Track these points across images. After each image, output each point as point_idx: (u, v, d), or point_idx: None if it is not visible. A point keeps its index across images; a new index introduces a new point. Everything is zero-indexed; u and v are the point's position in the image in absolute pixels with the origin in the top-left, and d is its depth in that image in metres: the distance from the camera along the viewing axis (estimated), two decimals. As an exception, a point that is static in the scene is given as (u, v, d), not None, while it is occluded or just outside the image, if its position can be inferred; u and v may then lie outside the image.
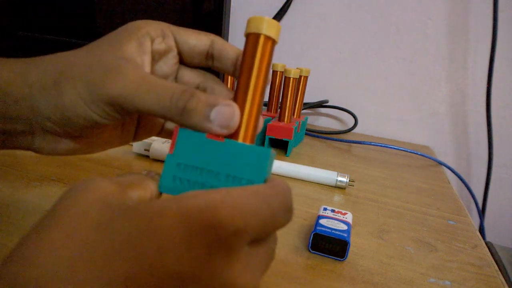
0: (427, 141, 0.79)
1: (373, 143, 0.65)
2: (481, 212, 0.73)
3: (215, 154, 0.18)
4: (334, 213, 0.33)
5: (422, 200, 0.46)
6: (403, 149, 0.64)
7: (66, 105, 0.19)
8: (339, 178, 0.45)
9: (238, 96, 0.20)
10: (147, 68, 0.22)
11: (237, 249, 0.15)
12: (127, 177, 0.18)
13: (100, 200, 0.15)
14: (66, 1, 0.70)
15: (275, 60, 0.82)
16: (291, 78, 0.54)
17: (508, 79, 0.72)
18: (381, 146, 0.65)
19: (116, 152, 0.47)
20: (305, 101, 0.76)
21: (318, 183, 0.46)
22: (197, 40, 0.23)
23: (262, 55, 0.20)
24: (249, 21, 0.20)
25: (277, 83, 0.60)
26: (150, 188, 0.18)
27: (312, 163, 0.54)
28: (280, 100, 0.57)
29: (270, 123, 0.54)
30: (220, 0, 0.65)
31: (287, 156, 0.55)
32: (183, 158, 0.19)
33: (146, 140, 0.46)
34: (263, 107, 0.66)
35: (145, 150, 0.46)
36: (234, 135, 0.19)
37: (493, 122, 0.71)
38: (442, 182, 0.55)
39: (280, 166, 0.47)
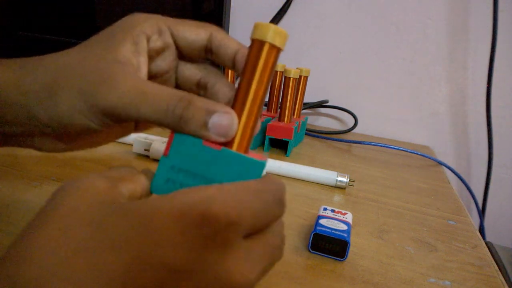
0: (427, 141, 0.79)
1: (373, 143, 0.65)
2: (481, 212, 0.73)
3: (210, 161, 0.18)
4: (334, 213, 0.33)
5: (422, 200, 0.46)
6: (403, 149, 0.64)
7: (62, 115, 0.19)
8: (339, 178, 0.45)
9: (237, 103, 0.19)
10: (144, 69, 0.21)
11: (232, 242, 0.15)
12: (118, 171, 0.18)
13: (91, 198, 0.15)
14: (66, 1, 0.70)
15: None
16: (291, 78, 0.54)
17: (508, 79, 0.72)
18: (381, 146, 0.65)
19: (116, 152, 0.47)
20: (305, 101, 0.76)
21: (318, 183, 0.46)
22: (195, 35, 0.22)
23: (265, 64, 0.19)
24: (255, 27, 0.19)
25: (277, 83, 0.60)
26: (141, 182, 0.19)
27: (312, 163, 0.54)
28: (280, 100, 0.57)
29: (270, 123, 0.54)
30: (220, 0, 0.65)
31: (287, 156, 0.55)
32: (177, 162, 0.19)
33: (146, 140, 0.46)
34: (263, 107, 0.66)
35: (145, 150, 0.46)
36: (230, 142, 0.19)
37: (493, 122, 0.71)
38: (442, 182, 0.55)
39: (280, 166, 0.47)
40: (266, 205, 0.17)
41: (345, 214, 0.33)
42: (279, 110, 0.57)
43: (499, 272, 0.32)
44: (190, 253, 0.14)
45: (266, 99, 0.63)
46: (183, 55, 0.23)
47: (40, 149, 0.22)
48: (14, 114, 0.20)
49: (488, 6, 0.69)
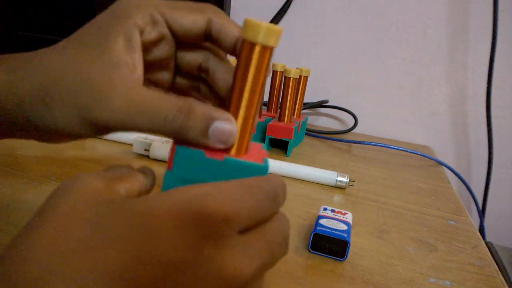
0: (427, 141, 0.79)
1: (373, 143, 0.65)
2: (481, 212, 0.73)
3: (215, 171, 0.19)
4: (334, 213, 0.33)
5: (422, 200, 0.46)
6: (403, 149, 0.64)
7: (57, 123, 0.19)
8: (339, 178, 0.45)
9: (232, 107, 0.19)
10: (139, 67, 0.20)
11: (227, 236, 0.15)
12: (115, 170, 0.18)
13: (89, 197, 0.15)
14: (66, 1, 0.70)
15: (275, 60, 0.82)
16: (291, 78, 0.54)
17: (508, 79, 0.72)
18: (381, 146, 0.65)
19: (116, 152, 0.47)
20: (305, 101, 0.76)
21: (318, 183, 0.46)
22: (192, 22, 0.21)
23: (258, 67, 0.19)
24: (245, 25, 0.18)
25: (277, 83, 0.60)
26: (138, 181, 0.19)
27: (312, 163, 0.54)
28: (280, 100, 0.57)
29: (270, 123, 0.54)
30: (220, 0, 0.65)
31: (287, 156, 0.55)
32: (181, 175, 0.19)
33: (146, 140, 0.46)
34: (263, 107, 0.66)
35: (145, 150, 0.46)
36: (229, 147, 0.19)
37: (493, 122, 0.71)
38: (442, 182, 0.55)
39: (280, 166, 0.47)
40: (259, 201, 0.17)
41: (345, 214, 0.33)
42: (279, 110, 0.57)
43: (499, 272, 0.32)
44: (187, 248, 0.14)
45: (266, 99, 0.63)
46: (181, 41, 0.22)
47: (39, 141, 0.22)
48: (11, 118, 0.20)
49: (488, 6, 0.69)
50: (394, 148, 0.65)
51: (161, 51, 0.22)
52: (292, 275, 0.27)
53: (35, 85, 0.18)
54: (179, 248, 0.14)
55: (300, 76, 0.58)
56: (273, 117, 0.59)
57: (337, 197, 0.43)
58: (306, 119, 0.68)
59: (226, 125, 0.18)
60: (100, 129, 0.19)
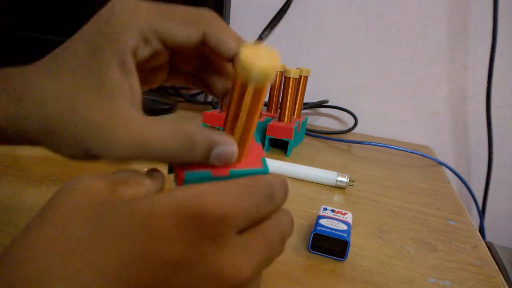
0: (427, 141, 0.79)
1: (373, 143, 0.65)
2: (481, 212, 0.73)
3: None
4: (334, 213, 0.33)
5: (422, 200, 0.46)
6: (403, 149, 0.64)
7: (62, 152, 0.19)
8: (339, 178, 0.45)
9: (227, 129, 0.20)
10: (137, 88, 0.19)
11: (225, 235, 0.15)
12: (121, 174, 0.18)
13: (89, 198, 0.15)
14: (66, 1, 0.70)
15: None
16: (291, 78, 0.54)
17: (508, 79, 0.72)
18: (381, 146, 0.65)
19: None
20: (305, 101, 0.76)
21: (318, 183, 0.46)
22: (186, 37, 0.20)
23: (253, 106, 0.18)
24: (241, 57, 0.17)
25: (277, 83, 0.60)
26: (144, 185, 0.18)
27: (312, 163, 0.54)
28: (280, 100, 0.57)
29: (270, 123, 0.54)
30: (220, 0, 0.65)
31: (287, 156, 0.55)
32: None
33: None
34: (263, 107, 0.66)
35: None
36: None
37: (493, 122, 0.71)
38: (442, 182, 0.55)
39: (280, 166, 0.47)
40: (257, 200, 0.17)
41: (345, 214, 0.33)
42: (279, 110, 0.57)
43: (499, 272, 0.32)
44: (187, 248, 0.15)
45: (266, 99, 0.63)
46: (177, 52, 0.22)
47: None
48: (13, 143, 0.20)
49: (488, 6, 0.69)
50: (394, 148, 0.65)
51: (155, 62, 0.22)
52: (292, 275, 0.27)
53: (38, 121, 0.18)
54: (178, 247, 0.14)
55: (300, 76, 0.58)
56: (273, 117, 0.59)
57: (337, 197, 0.43)
58: (306, 119, 0.68)
59: (227, 148, 0.19)
60: (105, 161, 0.19)
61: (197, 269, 0.15)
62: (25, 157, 0.41)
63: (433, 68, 0.75)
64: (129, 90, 0.19)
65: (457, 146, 0.78)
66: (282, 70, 0.59)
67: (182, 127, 0.18)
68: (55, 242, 0.14)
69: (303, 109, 0.75)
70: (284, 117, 0.55)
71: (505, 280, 0.31)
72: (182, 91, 0.86)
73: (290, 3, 0.79)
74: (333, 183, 0.45)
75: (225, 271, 0.15)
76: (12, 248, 0.14)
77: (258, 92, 0.18)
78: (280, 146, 0.59)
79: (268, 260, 0.17)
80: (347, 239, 0.29)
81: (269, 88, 0.61)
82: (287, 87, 0.54)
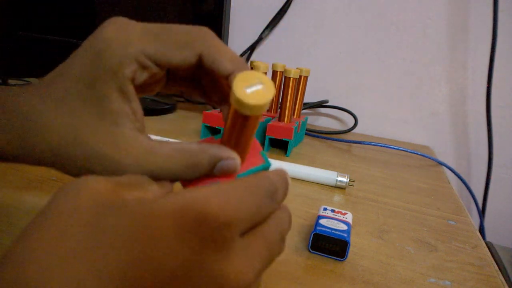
0: (427, 141, 0.79)
1: (373, 143, 0.65)
2: (481, 212, 0.74)
3: None
4: (334, 213, 0.33)
5: (422, 200, 0.46)
6: (403, 149, 0.64)
7: (71, 174, 0.20)
8: (339, 178, 0.45)
9: (225, 138, 0.20)
10: (138, 111, 0.20)
11: (229, 240, 0.15)
12: (125, 177, 0.18)
13: (90, 199, 0.15)
14: (66, 1, 0.70)
15: (275, 60, 0.82)
16: (291, 78, 0.54)
17: (508, 79, 0.72)
18: (381, 146, 0.65)
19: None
20: (305, 101, 0.76)
21: (318, 183, 0.46)
22: (181, 60, 0.20)
23: (248, 132, 0.19)
24: (232, 93, 0.17)
25: (277, 83, 0.60)
26: (151, 191, 0.18)
27: (312, 163, 0.54)
28: (280, 100, 0.57)
29: (270, 123, 0.54)
30: (220, 0, 0.65)
31: (287, 156, 0.55)
32: None
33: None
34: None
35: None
36: None
37: (493, 122, 0.71)
38: (442, 182, 0.55)
39: (280, 166, 0.47)
40: (259, 200, 0.17)
41: (345, 214, 0.33)
42: (279, 110, 0.57)
43: (499, 272, 0.32)
44: (189, 251, 0.14)
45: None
46: (174, 74, 0.23)
47: None
48: (22, 163, 0.21)
49: (488, 6, 0.69)
50: (394, 148, 0.66)
51: (152, 79, 0.22)
52: (292, 275, 0.27)
53: (46, 153, 0.19)
54: (180, 251, 0.14)
55: (300, 76, 0.58)
56: (273, 117, 0.59)
57: (337, 197, 0.43)
58: (306, 119, 0.68)
59: (230, 162, 0.20)
60: None
61: (199, 274, 0.14)
62: (25, 157, 0.41)
63: (433, 68, 0.75)
64: (132, 114, 0.19)
65: (457, 146, 0.78)
66: (282, 70, 0.59)
67: (185, 147, 0.19)
68: (55, 242, 0.14)
69: (303, 109, 0.75)
70: (284, 117, 0.55)
71: (505, 280, 0.31)
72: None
73: (290, 3, 0.79)
74: (333, 183, 0.45)
75: (228, 276, 0.15)
76: (13, 249, 0.14)
77: (253, 118, 0.19)
78: (280, 146, 0.59)
79: (269, 261, 0.17)
80: (347, 239, 0.29)
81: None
82: (287, 87, 0.54)
